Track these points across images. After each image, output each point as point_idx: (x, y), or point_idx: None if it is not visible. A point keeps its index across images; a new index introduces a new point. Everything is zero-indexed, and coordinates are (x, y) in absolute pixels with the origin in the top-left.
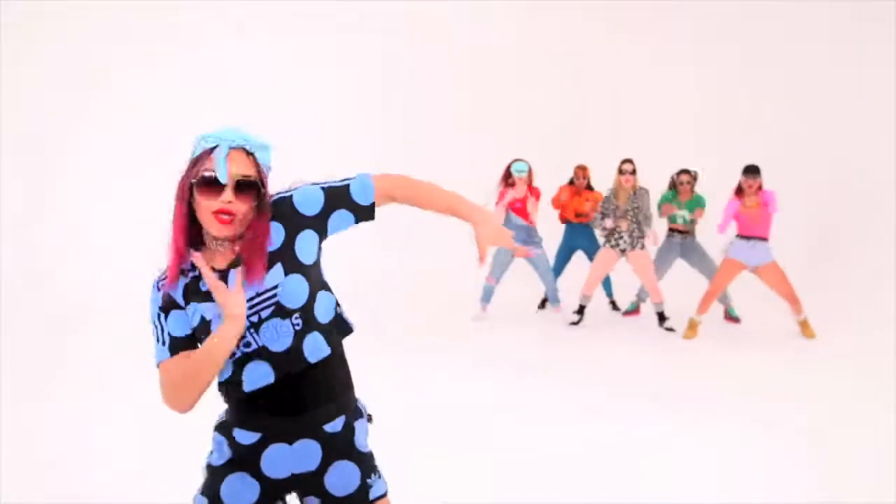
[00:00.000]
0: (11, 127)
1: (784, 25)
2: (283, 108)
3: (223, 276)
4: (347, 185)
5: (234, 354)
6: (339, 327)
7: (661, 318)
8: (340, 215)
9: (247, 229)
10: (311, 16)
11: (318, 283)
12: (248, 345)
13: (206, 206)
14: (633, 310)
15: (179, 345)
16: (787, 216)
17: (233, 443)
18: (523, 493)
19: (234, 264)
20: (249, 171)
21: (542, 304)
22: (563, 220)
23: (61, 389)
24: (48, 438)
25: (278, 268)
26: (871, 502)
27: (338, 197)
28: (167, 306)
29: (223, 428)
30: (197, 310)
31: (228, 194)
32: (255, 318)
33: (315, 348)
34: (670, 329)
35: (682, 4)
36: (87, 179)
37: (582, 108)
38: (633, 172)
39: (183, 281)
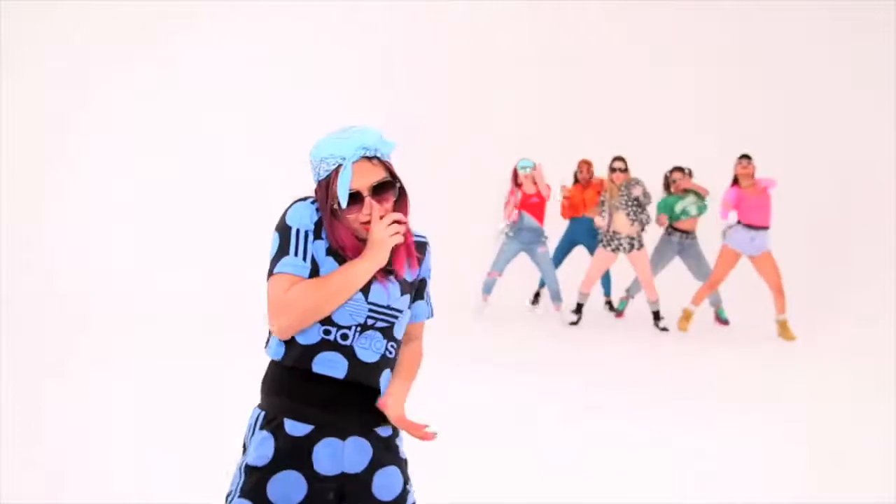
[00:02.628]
0: (11, 127)
1: (784, 25)
2: (282, 108)
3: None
4: (426, 304)
5: (328, 333)
6: None
7: (656, 316)
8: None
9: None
10: (311, 15)
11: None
12: (344, 336)
13: (353, 220)
14: (621, 311)
15: (314, 271)
16: (786, 215)
17: (282, 436)
18: (521, 493)
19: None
20: (379, 175)
21: (535, 300)
22: (571, 216)
23: (61, 389)
24: (48, 438)
25: (407, 297)
26: (870, 502)
27: (419, 293)
28: (317, 230)
29: (269, 423)
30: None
31: (368, 206)
32: (369, 321)
33: (385, 382)
34: (664, 329)
35: (682, 4)
36: (87, 179)
37: (583, 108)
38: (624, 171)
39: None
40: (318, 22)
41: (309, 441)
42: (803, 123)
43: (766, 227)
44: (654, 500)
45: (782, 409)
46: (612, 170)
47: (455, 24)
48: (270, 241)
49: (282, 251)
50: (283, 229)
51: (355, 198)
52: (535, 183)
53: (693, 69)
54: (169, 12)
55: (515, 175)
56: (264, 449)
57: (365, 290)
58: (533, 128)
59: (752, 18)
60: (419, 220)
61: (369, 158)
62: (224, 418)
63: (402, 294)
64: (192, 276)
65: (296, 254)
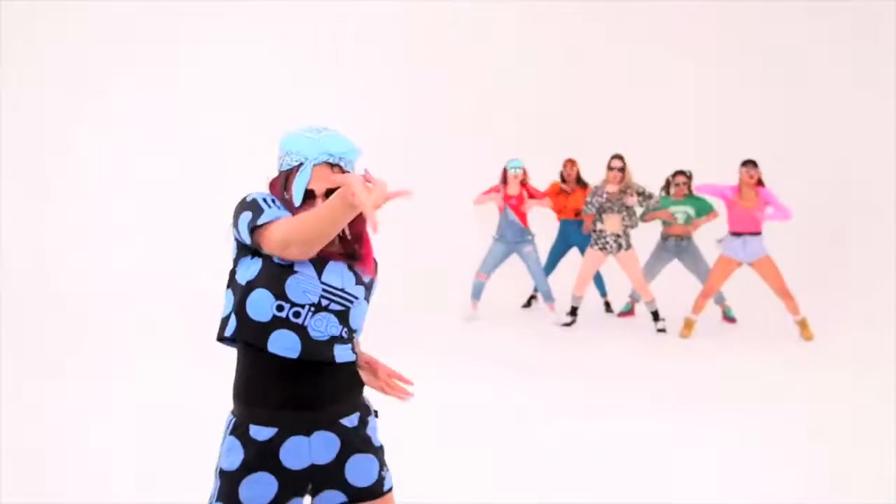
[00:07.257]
0: (11, 126)
1: (784, 26)
2: (282, 108)
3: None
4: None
5: (281, 310)
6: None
7: (655, 317)
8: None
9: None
10: (312, 15)
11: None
12: (297, 314)
13: None
14: (628, 311)
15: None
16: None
17: (248, 442)
18: (520, 494)
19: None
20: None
21: (528, 303)
22: (560, 218)
23: (61, 389)
24: (48, 438)
25: (362, 289)
26: (871, 502)
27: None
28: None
29: (236, 430)
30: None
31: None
32: (324, 303)
33: (343, 353)
34: (662, 331)
35: (682, 5)
36: (88, 179)
37: (583, 110)
38: (622, 170)
39: None
40: (318, 22)
41: (274, 442)
42: (803, 124)
43: (755, 233)
44: (655, 500)
45: (783, 410)
46: (610, 168)
47: (454, 25)
48: (235, 229)
49: (256, 214)
50: (249, 204)
51: (309, 196)
52: (522, 185)
53: (693, 69)
54: (169, 12)
55: (504, 174)
56: (234, 454)
57: (319, 269)
58: (532, 130)
59: (753, 19)
60: (419, 219)
61: (331, 165)
62: (224, 418)
63: (357, 283)
64: (192, 276)
65: (270, 208)
